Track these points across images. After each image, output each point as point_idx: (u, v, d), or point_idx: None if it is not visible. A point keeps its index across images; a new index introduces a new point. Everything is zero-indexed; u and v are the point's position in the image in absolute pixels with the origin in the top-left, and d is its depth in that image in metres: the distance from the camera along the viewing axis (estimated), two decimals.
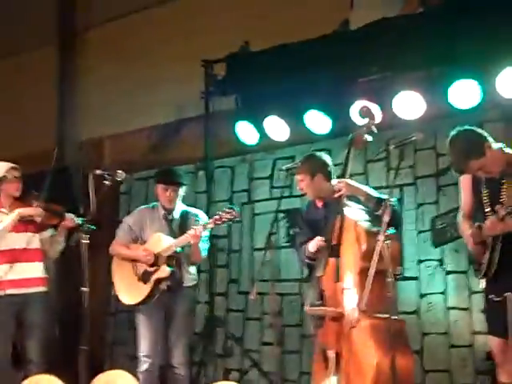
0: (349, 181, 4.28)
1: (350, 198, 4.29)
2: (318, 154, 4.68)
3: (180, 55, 6.84)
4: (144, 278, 4.86)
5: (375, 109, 5.19)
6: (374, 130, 4.38)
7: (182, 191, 4.98)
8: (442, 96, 4.99)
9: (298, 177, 4.56)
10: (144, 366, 4.86)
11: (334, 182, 4.39)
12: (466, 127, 3.91)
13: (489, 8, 4.85)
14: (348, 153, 4.38)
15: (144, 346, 4.87)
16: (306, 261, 4.46)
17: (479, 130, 3.91)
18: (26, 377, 4.54)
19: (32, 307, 5.00)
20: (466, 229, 4.03)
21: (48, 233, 5.15)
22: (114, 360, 6.68)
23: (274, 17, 6.38)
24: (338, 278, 4.12)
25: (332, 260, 4.17)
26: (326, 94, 5.50)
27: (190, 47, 6.76)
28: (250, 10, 6.55)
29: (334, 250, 4.17)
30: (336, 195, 4.22)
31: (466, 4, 4.97)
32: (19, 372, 5.00)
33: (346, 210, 4.23)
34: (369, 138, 4.38)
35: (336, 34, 5.56)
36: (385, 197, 4.21)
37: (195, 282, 5.07)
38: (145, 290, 4.84)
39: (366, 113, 4.46)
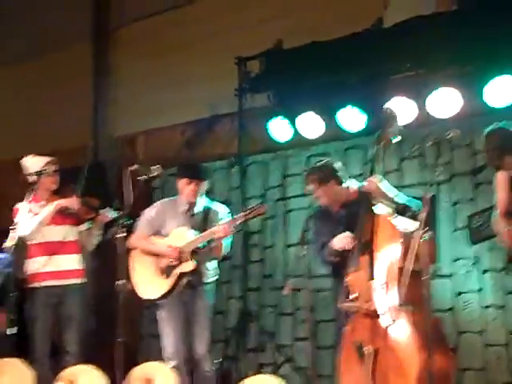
0: (379, 184, 4.31)
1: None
2: (327, 160, 4.69)
3: (214, 52, 6.86)
4: (166, 272, 4.80)
5: (408, 106, 5.20)
6: (399, 130, 4.41)
7: (204, 186, 4.95)
8: (478, 93, 4.98)
9: (311, 187, 4.57)
10: (170, 364, 4.79)
11: (349, 183, 4.51)
12: (503, 123, 3.91)
13: None
14: (376, 151, 4.39)
15: (168, 344, 4.84)
16: (331, 259, 4.47)
17: None
18: (63, 368, 4.62)
19: (70, 299, 5.07)
20: (501, 227, 4.01)
21: (85, 226, 5.22)
22: (148, 353, 6.72)
23: (308, 14, 6.39)
24: (371, 274, 4.13)
25: (365, 257, 4.18)
26: (360, 91, 5.50)
27: (223, 44, 6.78)
28: (284, 8, 6.56)
29: (366, 247, 4.18)
30: (362, 189, 4.27)
31: (501, 0, 4.95)
32: (57, 363, 5.08)
33: (378, 208, 4.26)
34: (395, 138, 4.41)
35: (370, 31, 5.56)
36: (411, 203, 4.30)
37: (214, 278, 5.00)
38: (166, 284, 4.79)
39: (389, 114, 4.46)
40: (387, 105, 4.61)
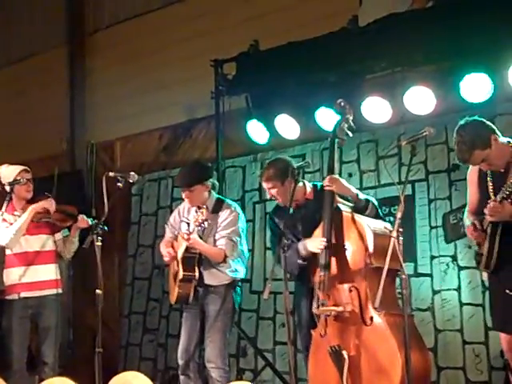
0: (340, 179, 4.28)
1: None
2: (283, 157, 4.63)
3: (189, 55, 6.84)
4: (175, 278, 4.78)
5: (383, 105, 5.17)
6: (352, 124, 4.38)
7: (201, 187, 4.75)
8: (453, 90, 4.96)
9: (267, 185, 4.48)
10: (179, 367, 4.81)
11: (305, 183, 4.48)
12: (476, 118, 3.89)
13: (498, 0, 4.81)
14: (332, 149, 4.35)
15: (179, 347, 4.83)
16: (299, 262, 4.36)
17: (488, 122, 3.89)
18: (41, 380, 4.56)
19: (47, 310, 5.01)
20: (470, 227, 4.00)
21: (61, 234, 5.16)
22: (128, 362, 6.69)
23: (283, 15, 6.37)
24: (341, 276, 4.08)
25: (333, 258, 4.12)
26: (336, 91, 5.44)
27: (199, 47, 6.76)
28: (259, 9, 6.54)
29: (335, 249, 4.13)
30: (326, 188, 4.18)
31: None
32: (34, 375, 5.01)
33: (341, 206, 4.22)
34: (349, 133, 4.38)
35: (345, 30, 5.52)
36: (370, 198, 4.30)
37: (226, 282, 4.75)
38: (175, 290, 4.76)
39: (341, 108, 4.42)
40: (341, 100, 4.51)
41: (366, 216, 4.19)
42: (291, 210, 4.34)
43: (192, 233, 4.52)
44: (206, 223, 4.49)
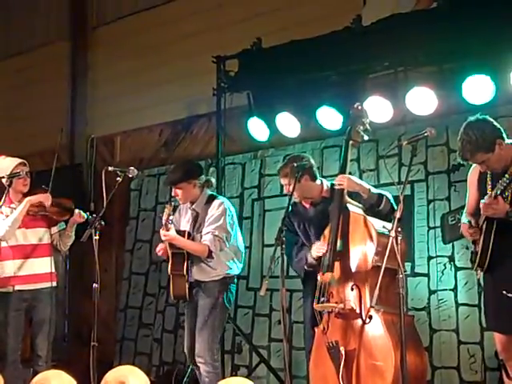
0: (350, 176, 4.30)
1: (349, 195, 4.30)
2: (301, 155, 4.66)
3: (192, 51, 6.85)
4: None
5: (385, 105, 5.18)
6: (369, 128, 4.40)
7: (187, 185, 4.78)
8: (455, 92, 4.97)
9: (283, 181, 4.51)
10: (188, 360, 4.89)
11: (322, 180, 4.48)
12: (486, 118, 3.86)
13: (502, 2, 4.81)
14: (346, 150, 4.37)
15: (185, 342, 4.88)
16: (306, 268, 4.42)
17: (496, 125, 3.86)
18: (35, 373, 4.54)
19: (41, 303, 4.98)
20: (465, 225, 4.00)
21: (57, 228, 5.15)
22: (123, 356, 6.69)
23: (286, 13, 6.38)
24: (344, 275, 4.09)
25: (338, 257, 4.12)
26: (338, 90, 5.47)
27: (201, 44, 6.76)
28: (262, 7, 6.54)
29: (340, 248, 4.13)
30: (337, 187, 4.21)
31: None
32: (29, 368, 5.00)
33: (350, 206, 4.22)
34: (365, 136, 4.40)
35: (348, 29, 5.52)
36: (384, 192, 4.27)
37: (217, 277, 4.75)
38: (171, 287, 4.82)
39: (358, 111, 4.43)
40: (358, 102, 4.55)
41: (380, 211, 4.21)
42: (291, 206, 4.37)
43: (164, 229, 4.58)
44: (171, 216, 4.62)
